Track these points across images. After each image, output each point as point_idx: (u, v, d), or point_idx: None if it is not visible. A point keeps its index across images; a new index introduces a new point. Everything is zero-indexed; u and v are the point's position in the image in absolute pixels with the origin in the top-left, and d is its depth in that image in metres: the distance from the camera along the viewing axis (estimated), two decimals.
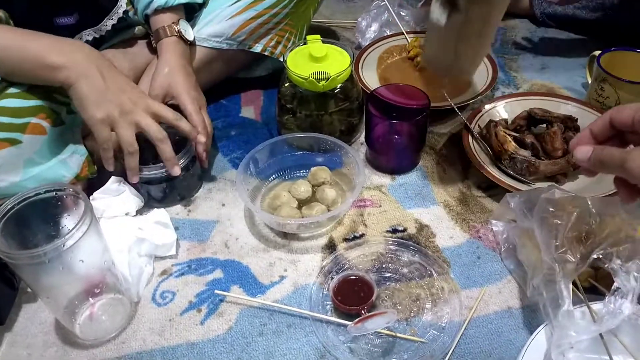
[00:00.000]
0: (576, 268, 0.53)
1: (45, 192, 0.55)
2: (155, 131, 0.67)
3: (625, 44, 0.86)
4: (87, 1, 0.77)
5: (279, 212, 0.70)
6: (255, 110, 0.94)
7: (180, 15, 0.81)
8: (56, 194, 0.55)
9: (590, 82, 0.88)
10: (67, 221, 0.57)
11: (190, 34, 0.81)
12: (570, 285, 0.52)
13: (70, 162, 0.69)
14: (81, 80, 0.64)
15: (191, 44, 0.82)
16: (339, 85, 0.78)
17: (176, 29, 0.79)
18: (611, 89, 0.80)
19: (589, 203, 0.56)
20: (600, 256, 0.53)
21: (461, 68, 0.82)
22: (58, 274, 0.53)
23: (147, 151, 0.70)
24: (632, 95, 0.79)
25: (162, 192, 0.74)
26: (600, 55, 0.83)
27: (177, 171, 0.70)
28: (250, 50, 0.87)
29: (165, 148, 0.68)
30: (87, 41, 0.79)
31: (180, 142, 0.73)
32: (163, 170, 0.71)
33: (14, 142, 0.63)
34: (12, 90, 0.65)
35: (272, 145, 0.77)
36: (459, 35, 0.72)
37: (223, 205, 0.76)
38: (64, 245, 0.50)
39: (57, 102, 0.68)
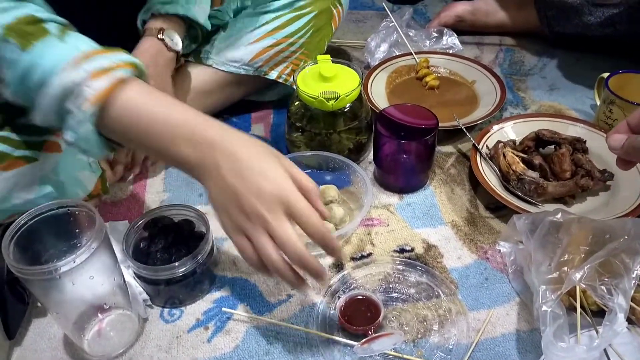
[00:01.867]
0: (560, 291, 0.52)
1: (57, 208, 0.56)
2: (294, 250, 0.51)
3: (635, 62, 0.87)
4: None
5: None
6: (265, 128, 0.95)
7: (175, 27, 0.80)
8: (69, 210, 0.56)
9: (598, 103, 0.89)
10: (79, 237, 0.58)
11: (177, 44, 0.80)
12: (549, 311, 0.52)
13: (84, 179, 0.70)
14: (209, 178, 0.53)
15: (179, 57, 0.82)
16: (347, 105, 0.79)
17: (159, 31, 0.78)
18: (619, 111, 0.80)
19: (593, 225, 0.56)
20: (583, 282, 0.52)
21: None
22: (68, 290, 0.54)
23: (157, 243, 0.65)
24: None
25: (157, 293, 0.65)
26: (608, 77, 0.83)
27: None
28: (266, 77, 0.89)
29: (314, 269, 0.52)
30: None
31: (185, 230, 0.67)
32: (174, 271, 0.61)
33: (30, 160, 0.63)
34: None
35: None
36: None
37: None
38: (74, 262, 0.51)
39: None
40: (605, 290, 0.50)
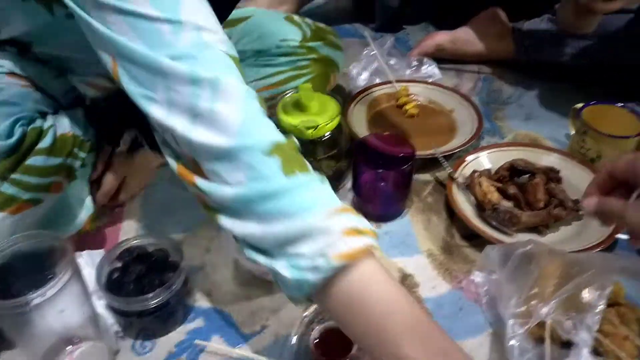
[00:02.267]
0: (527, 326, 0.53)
1: (27, 241, 0.55)
2: None
3: (609, 93, 0.89)
4: None
5: None
6: None
7: None
8: (41, 242, 0.56)
9: (571, 132, 0.90)
10: (50, 270, 0.57)
11: None
12: (517, 345, 0.52)
13: (79, 218, 0.70)
14: None
15: None
16: (327, 133, 0.80)
17: None
18: (592, 141, 0.82)
19: (564, 258, 0.57)
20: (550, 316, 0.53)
21: None
22: (38, 324, 0.53)
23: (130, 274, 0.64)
24: (612, 148, 0.81)
25: (129, 325, 0.64)
26: (582, 108, 0.85)
27: None
28: None
29: None
30: None
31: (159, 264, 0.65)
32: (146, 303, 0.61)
33: (36, 202, 0.62)
34: (41, 145, 0.62)
35: None
36: None
37: (208, 250, 0.77)
38: (45, 295, 0.51)
39: (74, 156, 0.67)
40: (571, 325, 0.50)
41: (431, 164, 0.89)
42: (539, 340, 0.57)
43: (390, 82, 1.05)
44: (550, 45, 1.04)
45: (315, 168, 0.80)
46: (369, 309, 0.48)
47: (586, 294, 0.52)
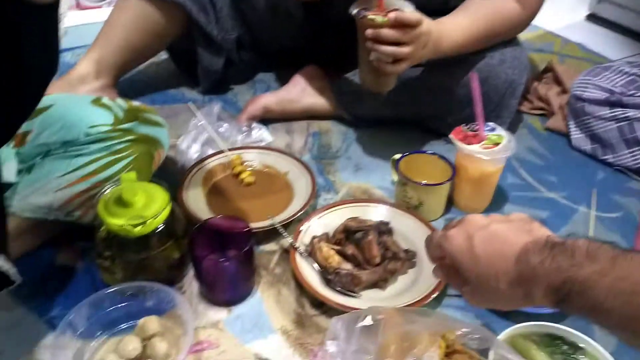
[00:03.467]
0: None
1: None
2: None
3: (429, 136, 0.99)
4: None
5: None
6: (73, 256, 0.87)
7: None
8: None
9: (396, 180, 0.98)
10: None
11: None
12: None
13: None
14: None
15: None
16: (159, 226, 0.76)
17: None
18: (413, 191, 0.89)
19: (400, 328, 0.60)
20: None
21: None
22: None
23: None
24: (432, 195, 0.89)
25: None
26: (399, 160, 0.93)
27: None
28: (79, 221, 0.82)
29: None
30: None
31: None
32: None
33: None
34: None
35: (94, 299, 0.72)
36: None
37: None
38: None
39: None
40: None
41: (274, 232, 0.89)
42: None
43: (222, 152, 1.05)
44: (366, 97, 1.12)
45: (153, 262, 0.77)
46: None
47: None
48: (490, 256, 0.52)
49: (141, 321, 0.72)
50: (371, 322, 0.61)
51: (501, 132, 0.89)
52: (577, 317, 0.49)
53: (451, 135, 0.90)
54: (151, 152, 0.88)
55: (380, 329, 0.61)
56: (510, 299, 0.52)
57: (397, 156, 0.95)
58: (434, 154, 0.94)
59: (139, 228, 0.73)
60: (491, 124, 0.91)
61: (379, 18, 0.85)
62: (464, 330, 0.63)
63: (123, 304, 0.74)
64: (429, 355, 0.57)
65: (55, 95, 0.88)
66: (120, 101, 0.88)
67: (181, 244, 0.80)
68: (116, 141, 0.82)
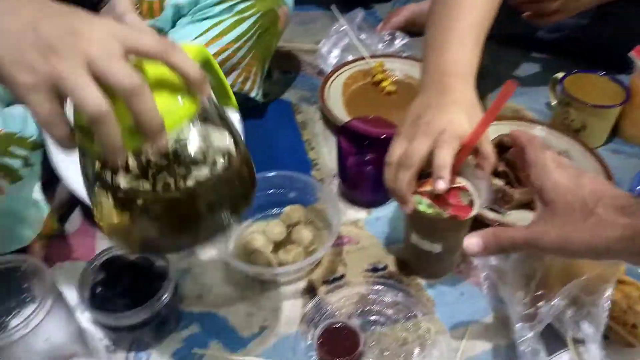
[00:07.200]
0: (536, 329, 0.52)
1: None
2: (122, 76, 0.35)
3: (586, 64, 0.88)
4: None
5: (255, 259, 0.67)
6: None
7: None
8: (10, 265, 0.51)
9: (552, 102, 0.90)
10: (29, 292, 0.53)
11: None
12: (529, 350, 0.51)
13: (32, 220, 0.64)
14: None
15: None
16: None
17: None
18: (577, 112, 0.81)
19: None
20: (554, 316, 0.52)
21: None
22: (22, 353, 0.49)
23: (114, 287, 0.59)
24: (597, 118, 0.81)
25: (119, 338, 0.61)
26: (562, 78, 0.84)
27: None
28: None
29: (147, 102, 0.36)
30: None
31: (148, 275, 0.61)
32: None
33: None
34: None
35: None
36: None
37: (192, 252, 0.72)
38: (28, 326, 0.46)
39: (12, 155, 0.62)
40: (576, 323, 0.50)
41: None
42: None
43: (363, 59, 1.02)
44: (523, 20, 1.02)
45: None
46: None
47: (591, 290, 0.51)
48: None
49: (287, 209, 0.73)
50: None
51: None
52: None
53: (632, 54, 0.79)
54: (275, 9, 0.87)
55: (542, 257, 0.57)
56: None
57: (560, 75, 0.86)
58: (605, 74, 0.84)
59: None
60: None
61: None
62: None
63: (269, 192, 0.76)
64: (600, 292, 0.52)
65: None
66: None
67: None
68: (238, 0, 0.82)
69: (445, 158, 0.57)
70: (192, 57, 0.39)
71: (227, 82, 0.49)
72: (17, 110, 0.66)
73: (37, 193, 0.66)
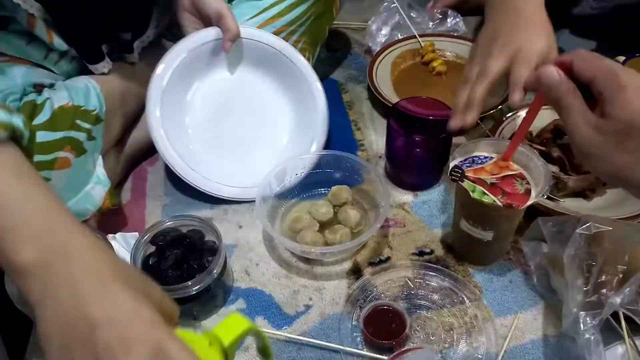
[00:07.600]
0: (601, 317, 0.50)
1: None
2: None
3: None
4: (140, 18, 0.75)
5: (301, 237, 0.68)
6: None
7: None
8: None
9: None
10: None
11: None
12: (593, 339, 0.50)
13: (94, 193, 0.66)
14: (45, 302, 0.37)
15: None
16: None
17: None
18: None
19: (628, 239, 0.53)
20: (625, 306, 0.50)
21: None
22: None
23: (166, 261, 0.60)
24: None
25: None
26: (625, 61, 0.80)
27: None
28: None
29: None
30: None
31: (197, 249, 0.62)
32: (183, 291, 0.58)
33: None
34: (38, 120, 0.61)
35: None
36: None
37: (240, 227, 0.73)
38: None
39: (78, 128, 0.64)
40: None
41: None
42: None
43: (414, 37, 0.99)
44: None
45: None
46: None
47: None
48: None
49: (334, 189, 0.73)
50: (590, 234, 0.55)
51: None
52: None
53: None
54: None
55: (606, 239, 0.55)
56: None
57: (621, 58, 0.82)
58: None
59: None
60: None
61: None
62: None
63: (316, 171, 0.75)
64: None
65: None
66: None
67: None
68: None
69: (522, 76, 0.59)
70: (236, 329, 0.43)
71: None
72: (80, 82, 0.67)
73: (99, 167, 0.67)
